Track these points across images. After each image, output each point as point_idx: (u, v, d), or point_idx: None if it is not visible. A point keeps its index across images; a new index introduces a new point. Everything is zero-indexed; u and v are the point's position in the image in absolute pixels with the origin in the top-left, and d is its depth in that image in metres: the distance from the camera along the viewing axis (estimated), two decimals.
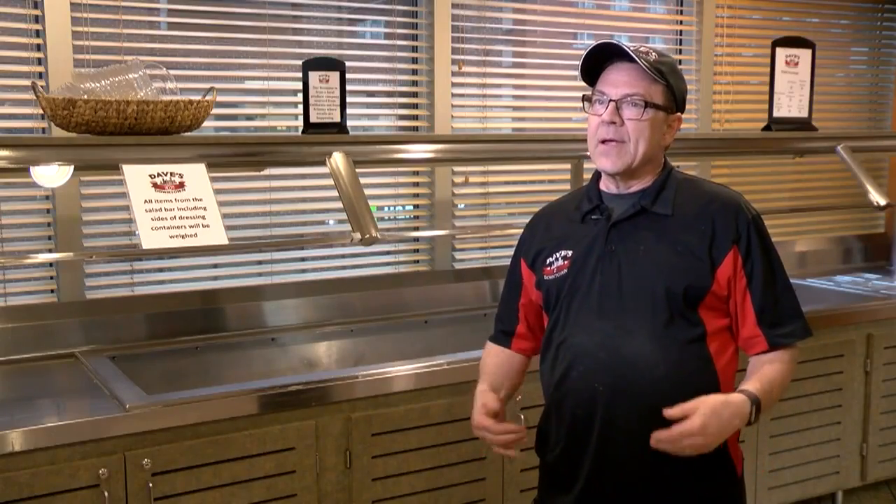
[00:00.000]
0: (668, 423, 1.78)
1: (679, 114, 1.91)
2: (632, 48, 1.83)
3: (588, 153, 1.93)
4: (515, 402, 2.60)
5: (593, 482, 1.87)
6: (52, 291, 2.92)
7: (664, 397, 1.76)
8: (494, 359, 2.10)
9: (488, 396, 1.96)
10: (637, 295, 1.81)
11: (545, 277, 1.94)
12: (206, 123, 2.59)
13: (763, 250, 1.86)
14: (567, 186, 3.52)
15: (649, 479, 1.84)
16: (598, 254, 1.87)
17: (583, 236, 1.91)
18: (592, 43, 1.87)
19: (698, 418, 1.67)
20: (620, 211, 1.89)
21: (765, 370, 1.84)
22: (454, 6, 3.44)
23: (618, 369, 1.80)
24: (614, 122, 1.83)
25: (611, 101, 1.83)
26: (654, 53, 1.86)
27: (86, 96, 2.38)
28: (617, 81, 1.84)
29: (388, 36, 3.43)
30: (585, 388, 1.84)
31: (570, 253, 1.91)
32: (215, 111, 2.78)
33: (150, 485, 2.23)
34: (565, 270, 1.90)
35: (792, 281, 1.94)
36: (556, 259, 1.92)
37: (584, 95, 1.91)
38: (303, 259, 3.33)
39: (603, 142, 1.85)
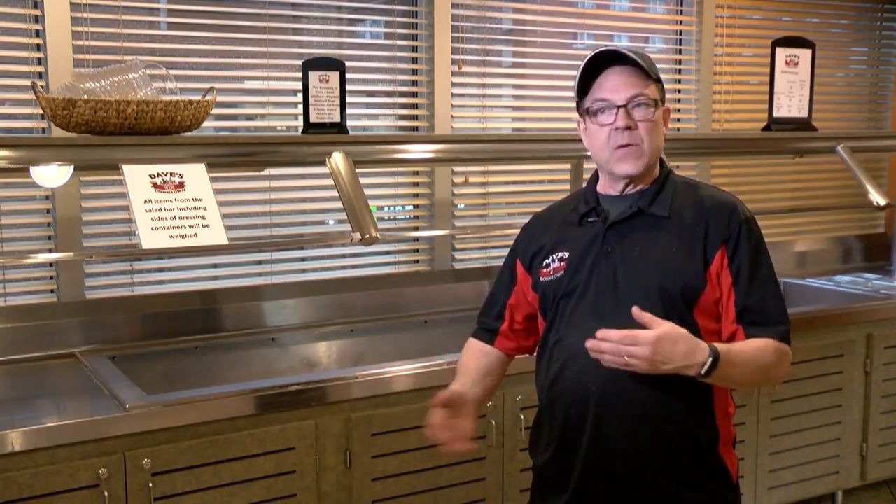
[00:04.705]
0: (658, 429, 1.78)
1: (668, 106, 1.91)
2: (623, 49, 1.84)
3: (590, 154, 1.92)
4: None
5: (585, 484, 1.86)
6: (52, 291, 2.92)
7: (655, 400, 1.77)
8: (473, 359, 2.08)
9: (451, 392, 1.95)
10: (632, 295, 1.80)
11: (541, 279, 1.94)
12: (206, 123, 2.59)
13: (752, 252, 1.83)
14: (567, 186, 3.52)
15: (640, 482, 1.83)
16: (595, 255, 1.87)
17: (579, 238, 1.91)
18: (588, 53, 1.85)
19: (657, 332, 1.64)
20: (617, 212, 1.88)
21: (739, 343, 1.79)
22: (454, 6, 3.44)
23: (609, 370, 1.77)
24: (630, 127, 1.82)
25: (619, 106, 1.82)
26: (636, 52, 1.85)
27: (86, 96, 2.38)
28: (618, 86, 1.82)
29: (388, 36, 3.43)
30: (578, 387, 1.84)
31: (566, 255, 1.91)
32: (215, 111, 2.78)
33: (150, 485, 2.23)
34: (561, 272, 1.90)
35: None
36: (553, 261, 1.93)
37: (583, 110, 1.88)
38: (303, 259, 3.33)
39: (619, 147, 1.83)
